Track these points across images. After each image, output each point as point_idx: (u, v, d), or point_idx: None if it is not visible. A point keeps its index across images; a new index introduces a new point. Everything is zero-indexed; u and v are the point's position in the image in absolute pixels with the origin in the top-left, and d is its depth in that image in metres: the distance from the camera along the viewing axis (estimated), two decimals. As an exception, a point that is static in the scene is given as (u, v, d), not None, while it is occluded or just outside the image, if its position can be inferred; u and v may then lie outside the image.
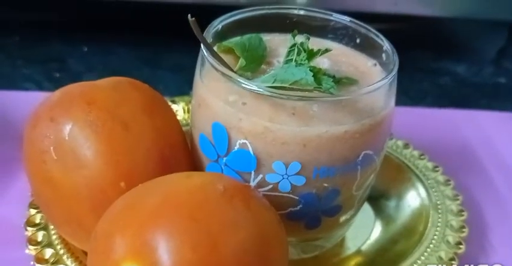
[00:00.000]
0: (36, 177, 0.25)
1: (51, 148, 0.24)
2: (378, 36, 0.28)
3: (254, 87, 0.23)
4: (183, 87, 0.48)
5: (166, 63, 0.53)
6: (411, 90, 0.53)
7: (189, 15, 0.22)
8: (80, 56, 0.53)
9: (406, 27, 0.60)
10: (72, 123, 0.23)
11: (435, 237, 0.29)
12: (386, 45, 0.27)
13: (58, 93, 0.25)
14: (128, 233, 0.18)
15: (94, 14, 0.57)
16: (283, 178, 0.24)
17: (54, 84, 0.49)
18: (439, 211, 0.31)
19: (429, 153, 0.36)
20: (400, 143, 0.36)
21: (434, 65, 0.58)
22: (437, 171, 0.34)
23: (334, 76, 0.25)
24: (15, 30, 0.56)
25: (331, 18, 0.29)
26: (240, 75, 0.24)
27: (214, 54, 0.24)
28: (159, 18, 0.57)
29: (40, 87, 0.48)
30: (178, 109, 0.38)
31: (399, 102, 0.51)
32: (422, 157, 0.35)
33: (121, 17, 0.57)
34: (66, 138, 0.23)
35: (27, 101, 0.42)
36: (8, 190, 0.33)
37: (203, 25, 0.26)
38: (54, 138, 0.24)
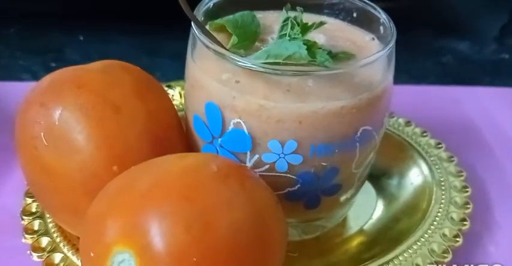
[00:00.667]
0: (29, 163, 0.25)
1: (42, 134, 0.23)
2: (375, 8, 0.27)
3: (247, 64, 0.22)
4: (181, 73, 0.47)
5: (164, 51, 0.52)
6: (413, 69, 0.52)
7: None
8: (76, 46, 0.53)
9: (407, 6, 0.59)
10: (62, 107, 0.23)
11: (439, 214, 0.29)
12: (383, 17, 0.26)
13: (48, 78, 0.25)
14: (119, 215, 0.18)
15: (90, 2, 0.56)
16: (279, 158, 0.23)
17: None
18: (443, 188, 0.31)
19: (432, 130, 0.35)
20: (401, 121, 0.36)
21: (436, 43, 0.57)
22: (440, 148, 0.34)
23: (330, 52, 0.24)
24: (13, 21, 0.55)
25: (327, -9, 0.28)
26: (233, 52, 0.23)
27: (205, 32, 0.23)
28: (155, 6, 0.56)
29: (36, 78, 0.47)
30: (175, 94, 0.38)
31: (401, 81, 0.50)
32: (424, 134, 0.35)
33: (117, 6, 0.57)
34: (57, 122, 0.23)
35: (22, 91, 0.42)
36: (4, 179, 0.33)
37: (195, 5, 0.26)
38: (44, 124, 0.23)
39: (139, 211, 0.18)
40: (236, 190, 0.20)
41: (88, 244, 0.18)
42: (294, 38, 0.23)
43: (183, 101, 0.37)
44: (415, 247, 0.27)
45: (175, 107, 0.28)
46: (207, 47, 0.23)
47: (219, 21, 0.25)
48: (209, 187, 0.19)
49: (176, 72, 0.48)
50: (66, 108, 0.23)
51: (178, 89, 0.38)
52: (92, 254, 0.18)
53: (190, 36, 0.25)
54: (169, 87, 0.38)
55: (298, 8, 0.24)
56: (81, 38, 0.54)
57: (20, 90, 0.42)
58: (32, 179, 0.25)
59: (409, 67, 0.52)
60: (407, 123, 0.36)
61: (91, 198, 0.22)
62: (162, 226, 0.17)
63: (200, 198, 0.18)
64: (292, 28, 0.23)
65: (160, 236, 0.17)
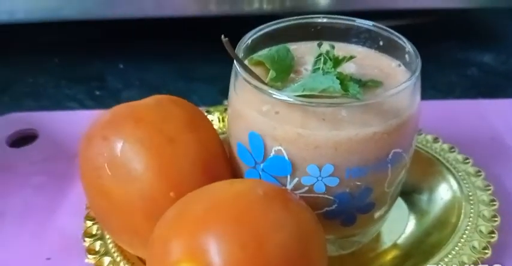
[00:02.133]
0: (93, 190, 0.27)
1: (106, 164, 0.26)
2: (400, 38, 0.29)
3: (285, 97, 0.24)
4: (217, 97, 0.50)
5: (199, 75, 0.55)
6: (439, 83, 0.54)
7: (223, 36, 0.24)
8: (117, 73, 0.56)
9: (430, 21, 0.61)
10: (123, 140, 0.26)
11: (468, 227, 0.30)
12: (408, 46, 0.28)
13: (108, 113, 0.28)
14: (181, 237, 0.20)
15: (126, 32, 0.60)
16: (317, 180, 0.25)
17: (95, 102, 0.52)
18: (471, 202, 0.32)
19: (459, 145, 0.37)
20: (429, 137, 0.37)
21: (460, 56, 0.58)
22: (467, 163, 0.35)
23: (360, 80, 0.27)
24: (55, 52, 0.59)
25: (354, 23, 0.30)
26: (271, 86, 0.26)
27: (246, 69, 0.26)
28: (189, 33, 0.59)
29: (83, 105, 0.51)
30: (214, 118, 0.40)
31: (427, 96, 0.52)
32: (452, 150, 0.36)
33: (152, 34, 0.60)
34: (119, 154, 0.26)
35: (73, 120, 0.46)
36: (63, 203, 0.36)
37: (232, 36, 0.28)
38: (107, 155, 0.26)
39: (199, 233, 0.20)
40: (281, 211, 0.22)
41: (154, 262, 0.21)
42: (327, 72, 0.25)
43: (221, 125, 0.40)
44: (446, 259, 0.28)
45: (217, 133, 0.31)
46: (248, 82, 0.26)
47: (257, 57, 0.28)
48: (258, 210, 0.21)
49: (211, 95, 0.51)
50: (127, 140, 0.26)
51: (217, 114, 0.40)
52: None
53: (232, 71, 0.28)
54: (208, 112, 0.40)
55: (329, 44, 0.27)
56: (121, 66, 0.57)
57: (70, 119, 0.46)
58: (94, 204, 0.28)
59: (435, 81, 0.54)
60: (435, 140, 0.37)
61: (150, 221, 0.24)
62: (220, 246, 0.20)
63: (251, 220, 0.21)
64: (325, 62, 0.26)
65: (219, 254, 0.19)
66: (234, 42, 0.28)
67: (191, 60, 0.57)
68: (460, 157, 0.36)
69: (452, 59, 0.58)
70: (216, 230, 0.20)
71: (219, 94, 0.50)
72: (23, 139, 0.44)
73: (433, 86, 0.53)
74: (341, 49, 0.29)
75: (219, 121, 0.40)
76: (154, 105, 0.28)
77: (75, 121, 0.40)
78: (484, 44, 0.60)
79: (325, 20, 0.30)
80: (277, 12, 0.51)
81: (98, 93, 0.53)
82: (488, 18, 0.65)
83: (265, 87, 0.25)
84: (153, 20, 0.54)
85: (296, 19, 0.30)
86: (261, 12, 0.51)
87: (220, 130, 0.39)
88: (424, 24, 0.60)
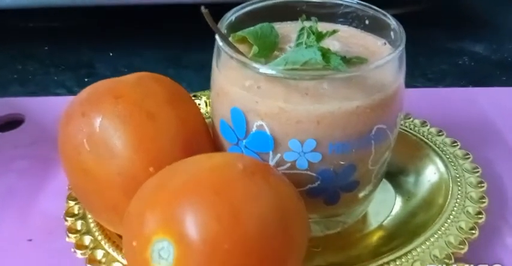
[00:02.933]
0: (73, 168, 0.27)
1: (84, 140, 0.25)
2: (385, 15, 0.28)
3: (268, 71, 0.24)
4: (205, 83, 0.49)
5: (188, 62, 0.55)
6: (430, 72, 0.54)
7: (202, 7, 0.24)
8: (106, 61, 0.56)
9: (422, 9, 0.61)
10: (102, 116, 0.25)
11: (455, 208, 0.30)
12: (393, 23, 0.28)
13: (87, 90, 0.27)
14: (157, 209, 0.20)
15: (115, 19, 0.60)
16: (300, 156, 0.25)
17: (83, 88, 0.51)
18: (459, 183, 0.32)
19: (447, 130, 0.37)
20: (417, 121, 0.37)
21: (452, 45, 0.58)
22: (455, 146, 0.35)
23: (344, 57, 0.26)
24: (45, 39, 0.59)
25: (340, 2, 0.30)
26: (254, 61, 0.25)
27: (229, 43, 0.26)
28: (178, 20, 0.59)
29: (71, 92, 0.51)
30: (201, 103, 0.40)
31: (418, 84, 0.52)
32: (440, 133, 0.36)
33: (142, 21, 0.60)
34: (97, 130, 0.25)
35: (60, 105, 0.45)
36: (46, 186, 0.36)
37: (219, 20, 0.28)
38: (86, 131, 0.26)
39: (175, 204, 0.20)
40: (261, 185, 0.22)
41: (130, 235, 0.20)
42: (310, 46, 0.25)
43: (208, 109, 0.39)
44: (432, 239, 0.28)
45: (201, 113, 0.30)
46: (231, 57, 0.25)
47: (240, 33, 0.27)
48: (237, 182, 0.21)
49: (200, 82, 0.51)
50: (106, 116, 0.25)
51: (204, 99, 0.40)
52: (134, 244, 0.20)
53: (215, 47, 0.27)
54: (195, 97, 0.40)
55: (312, 18, 0.26)
56: (110, 54, 0.57)
57: (57, 104, 0.45)
58: (75, 182, 0.28)
59: (425, 70, 0.54)
60: (423, 124, 0.37)
61: (130, 197, 0.24)
62: (196, 217, 0.19)
63: (229, 192, 0.20)
64: (308, 37, 0.25)
65: (194, 226, 0.19)
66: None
67: (180, 47, 0.56)
68: (448, 140, 0.35)
69: (443, 48, 0.58)
70: (192, 202, 0.20)
71: (207, 81, 0.50)
72: (10, 124, 0.43)
73: (423, 74, 0.53)
74: (326, 28, 0.29)
75: (206, 105, 0.40)
76: (134, 82, 0.27)
77: (62, 107, 0.40)
78: (476, 33, 0.60)
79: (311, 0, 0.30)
80: None
81: (86, 80, 0.53)
82: (479, 7, 0.65)
83: (248, 61, 0.25)
84: (143, 7, 0.54)
85: (281, -2, 0.30)
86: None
87: (207, 114, 0.38)
88: (416, 13, 0.59)
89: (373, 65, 0.24)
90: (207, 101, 0.40)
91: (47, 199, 0.34)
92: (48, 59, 0.56)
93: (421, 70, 0.54)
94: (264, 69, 0.24)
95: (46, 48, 0.58)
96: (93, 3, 0.53)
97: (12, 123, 0.43)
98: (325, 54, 0.23)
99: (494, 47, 0.57)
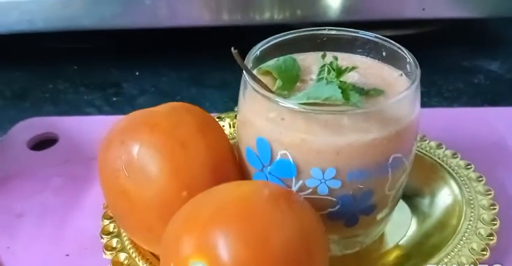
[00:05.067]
0: (111, 191, 0.29)
1: (123, 166, 0.28)
2: (400, 49, 0.30)
3: (290, 105, 0.26)
4: (228, 102, 0.52)
5: (210, 82, 0.57)
6: (446, 90, 0.55)
7: (232, 48, 0.26)
8: (133, 80, 0.58)
9: (437, 29, 0.62)
10: (139, 144, 0.28)
11: (467, 230, 0.31)
12: (408, 57, 0.30)
13: (125, 118, 0.30)
14: (192, 234, 0.22)
15: (141, 40, 0.62)
16: (321, 183, 0.27)
17: (112, 107, 0.54)
18: (472, 206, 0.33)
19: (462, 152, 0.38)
20: (433, 144, 0.39)
21: (468, 64, 0.59)
22: (469, 169, 0.36)
23: (362, 89, 0.28)
24: (75, 59, 0.62)
25: (358, 35, 0.31)
26: (278, 95, 0.27)
27: (254, 79, 0.28)
28: (201, 41, 0.61)
29: (100, 111, 0.53)
30: (225, 124, 0.42)
31: (434, 103, 0.53)
32: (455, 156, 0.38)
33: (166, 42, 0.63)
34: (135, 157, 0.27)
35: (91, 124, 0.48)
36: (81, 204, 0.38)
37: (243, 44, 0.29)
38: (125, 158, 0.28)
39: (208, 230, 0.22)
40: (285, 211, 0.23)
41: (168, 258, 0.23)
42: (330, 81, 0.27)
43: (232, 131, 0.41)
44: (445, 260, 0.30)
45: (227, 138, 0.32)
46: (257, 91, 0.27)
47: (265, 67, 0.29)
48: (263, 209, 0.23)
49: (222, 101, 0.53)
50: (143, 144, 0.27)
51: (227, 120, 0.42)
52: (172, 265, 0.22)
53: (242, 80, 0.29)
54: (219, 118, 0.42)
55: (333, 55, 0.28)
56: (137, 73, 0.59)
57: (88, 124, 0.48)
58: (112, 203, 0.30)
59: (441, 88, 0.55)
60: (439, 146, 0.39)
61: (164, 219, 0.26)
62: (227, 242, 0.21)
63: (256, 219, 0.22)
64: (328, 72, 0.27)
65: (226, 250, 0.21)
66: (245, 51, 0.29)
67: (203, 67, 0.59)
68: (462, 163, 0.37)
69: (459, 67, 0.59)
70: (223, 228, 0.22)
71: (230, 100, 0.52)
72: (44, 142, 0.46)
73: (439, 93, 0.54)
74: (345, 59, 0.31)
75: (230, 127, 0.42)
76: (167, 112, 0.29)
77: (93, 126, 0.42)
78: (491, 52, 0.61)
79: (331, 32, 0.32)
80: (287, 22, 0.53)
81: (114, 99, 0.55)
82: (494, 27, 0.66)
83: (272, 96, 0.27)
84: (168, 30, 0.56)
85: (303, 31, 0.32)
86: (271, 22, 0.52)
87: (230, 136, 0.40)
88: (431, 33, 0.61)
89: (389, 101, 0.26)
90: (231, 123, 0.42)
91: (82, 217, 0.37)
92: (77, 79, 0.59)
93: (437, 89, 0.55)
94: (287, 104, 0.26)
95: (75, 67, 0.61)
96: (120, 26, 0.56)
97: (46, 141, 0.46)
98: (345, 90, 0.25)
99: (510, 65, 0.58)
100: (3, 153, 0.44)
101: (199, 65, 0.59)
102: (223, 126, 0.42)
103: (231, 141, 0.33)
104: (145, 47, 0.62)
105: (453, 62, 0.60)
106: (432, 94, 0.54)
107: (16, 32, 0.55)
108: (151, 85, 0.57)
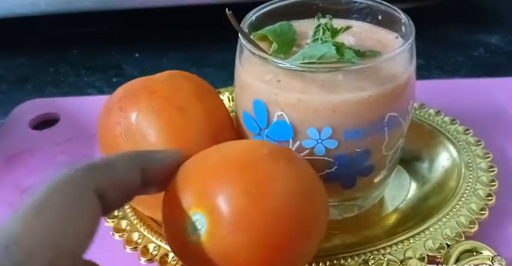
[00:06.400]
0: (111, 157, 0.30)
1: (122, 132, 0.28)
2: (396, 10, 0.30)
3: (287, 65, 0.26)
4: (227, 81, 0.52)
5: (210, 62, 0.57)
6: (446, 64, 0.55)
7: (227, 9, 0.26)
8: (133, 62, 0.59)
9: (437, 3, 0.62)
10: (138, 110, 0.28)
11: (466, 191, 0.32)
12: (403, 18, 0.30)
13: (124, 87, 0.30)
14: (193, 186, 0.22)
15: (141, 22, 0.63)
16: (317, 143, 0.27)
17: (112, 88, 0.54)
18: (470, 168, 0.33)
19: (461, 119, 0.38)
20: (432, 111, 0.39)
21: (467, 37, 0.59)
22: (468, 134, 0.36)
23: (358, 50, 0.28)
24: (75, 43, 0.62)
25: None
26: (274, 57, 0.28)
27: (250, 41, 0.28)
28: (201, 21, 0.61)
29: (101, 92, 0.54)
30: (224, 98, 0.42)
31: (434, 76, 0.53)
32: (453, 122, 0.38)
33: (166, 24, 0.63)
34: (134, 123, 0.28)
35: (92, 104, 0.48)
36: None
37: (240, 20, 0.30)
38: (124, 124, 0.28)
39: (209, 182, 0.22)
40: (285, 166, 0.23)
41: (169, 209, 0.23)
42: (325, 41, 0.27)
43: (231, 104, 0.42)
44: (444, 219, 0.30)
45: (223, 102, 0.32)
46: (253, 53, 0.27)
47: (261, 31, 0.29)
48: (262, 163, 0.23)
49: (222, 79, 0.53)
50: (141, 110, 0.28)
51: (226, 94, 0.42)
52: (173, 217, 0.22)
53: (238, 45, 0.30)
54: (218, 92, 0.42)
55: (327, 15, 0.28)
56: (137, 55, 0.60)
57: (89, 103, 0.48)
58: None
59: (441, 62, 0.55)
60: (437, 113, 0.39)
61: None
62: (226, 192, 0.21)
63: (256, 171, 0.22)
64: (323, 33, 0.28)
65: (224, 199, 0.21)
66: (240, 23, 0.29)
67: (203, 47, 0.59)
68: (461, 128, 0.37)
69: (459, 41, 0.59)
70: (224, 180, 0.22)
71: (229, 79, 0.52)
72: (46, 122, 0.47)
73: (440, 67, 0.54)
74: (341, 24, 0.31)
75: (229, 100, 0.42)
76: (166, 78, 0.30)
77: (93, 106, 0.42)
78: (490, 25, 0.61)
79: (326, -2, 0.32)
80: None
81: (114, 80, 0.56)
82: (494, 0, 0.65)
83: (268, 57, 0.27)
84: (167, 11, 0.56)
85: (299, -3, 0.32)
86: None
87: (230, 109, 0.41)
88: (432, 7, 0.61)
89: (384, 57, 0.26)
90: (230, 97, 0.43)
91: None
92: (78, 62, 0.59)
93: (437, 62, 0.55)
94: (283, 64, 0.26)
95: (75, 51, 0.61)
96: (119, 7, 0.56)
97: (49, 121, 0.47)
98: (339, 48, 0.25)
99: (509, 38, 0.58)
100: (7, 133, 0.45)
101: (199, 46, 0.60)
102: (222, 100, 0.42)
103: (231, 114, 0.33)
104: (144, 29, 0.63)
105: (453, 36, 0.60)
106: (432, 67, 0.54)
107: (19, 15, 0.55)
108: (151, 66, 0.57)
